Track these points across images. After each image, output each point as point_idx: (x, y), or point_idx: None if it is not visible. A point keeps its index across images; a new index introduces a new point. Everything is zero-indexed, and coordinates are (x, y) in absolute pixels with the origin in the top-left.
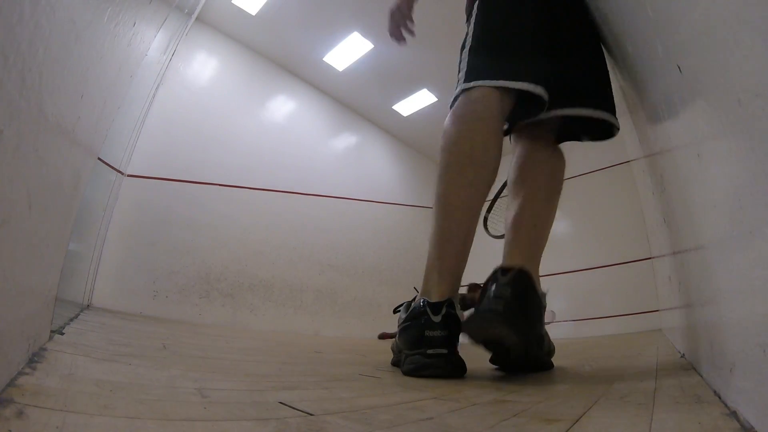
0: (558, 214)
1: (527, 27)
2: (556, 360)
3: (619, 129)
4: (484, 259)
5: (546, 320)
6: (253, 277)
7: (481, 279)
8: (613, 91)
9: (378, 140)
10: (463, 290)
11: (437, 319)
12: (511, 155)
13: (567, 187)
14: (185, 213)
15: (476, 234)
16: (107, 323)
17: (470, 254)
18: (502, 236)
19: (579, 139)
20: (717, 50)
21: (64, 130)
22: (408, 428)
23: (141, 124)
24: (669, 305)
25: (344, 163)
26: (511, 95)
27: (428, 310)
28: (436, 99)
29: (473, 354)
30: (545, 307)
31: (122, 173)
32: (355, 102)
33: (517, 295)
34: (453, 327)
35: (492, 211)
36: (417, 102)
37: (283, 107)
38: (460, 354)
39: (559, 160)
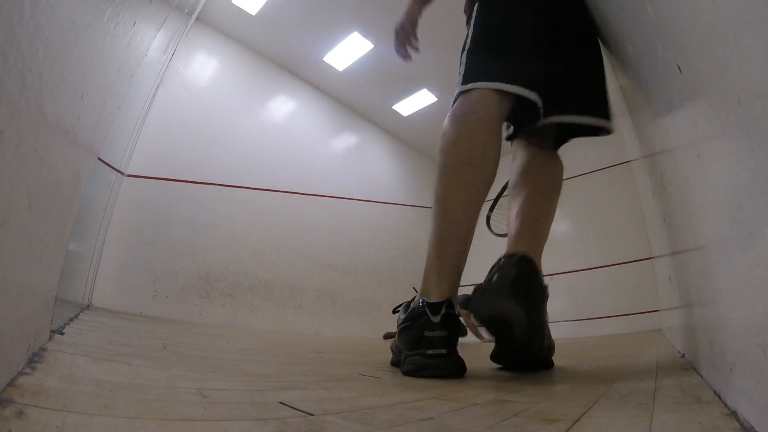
0: (558, 214)
1: (526, 30)
2: (556, 360)
3: (613, 131)
4: (484, 259)
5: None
6: (253, 277)
7: (481, 279)
8: (613, 91)
9: (378, 140)
10: (466, 291)
11: (436, 319)
12: (509, 155)
13: (567, 187)
14: (185, 213)
15: (476, 234)
16: (107, 323)
17: (470, 254)
18: (504, 235)
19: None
20: (717, 50)
21: (64, 130)
22: (408, 428)
23: (141, 124)
24: (669, 305)
25: (344, 163)
26: (510, 97)
27: (427, 310)
28: (436, 99)
29: (473, 354)
30: (547, 297)
31: (122, 173)
32: (355, 102)
33: (523, 276)
34: (452, 327)
35: (494, 210)
36: (417, 102)
37: (283, 107)
38: (460, 354)
39: (558, 164)
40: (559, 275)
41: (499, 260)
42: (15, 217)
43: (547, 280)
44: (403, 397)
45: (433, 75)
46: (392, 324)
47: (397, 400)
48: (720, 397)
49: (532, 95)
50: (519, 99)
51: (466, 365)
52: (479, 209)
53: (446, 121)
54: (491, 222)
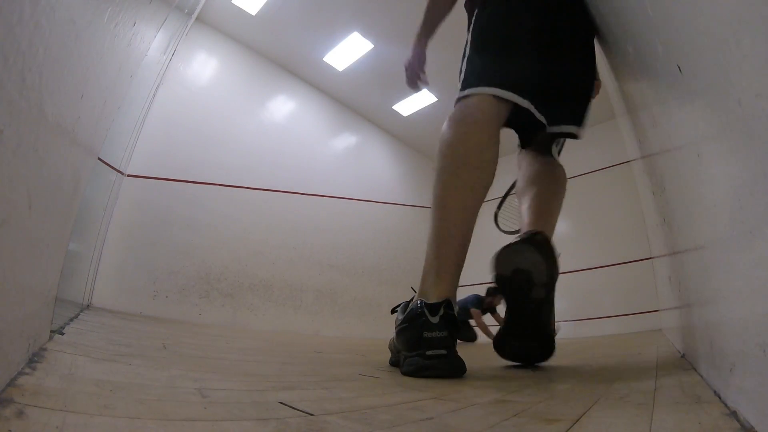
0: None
1: (524, 37)
2: (556, 360)
3: (581, 138)
4: (484, 259)
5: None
6: (253, 277)
7: (482, 279)
8: (613, 91)
9: (378, 140)
10: (466, 291)
11: (435, 320)
12: (507, 155)
13: (567, 187)
14: (185, 213)
15: (476, 234)
16: (107, 323)
17: (470, 254)
18: (512, 232)
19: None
20: (717, 50)
21: (64, 130)
22: (408, 428)
23: (141, 124)
24: (669, 305)
25: (344, 163)
26: (507, 103)
27: (426, 311)
28: (436, 99)
29: (473, 354)
30: (558, 272)
31: (122, 173)
32: (355, 102)
33: (543, 240)
34: (451, 327)
35: (502, 208)
36: (417, 102)
37: (283, 107)
38: (460, 354)
39: (560, 168)
40: (559, 275)
41: (518, 236)
42: (15, 217)
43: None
44: (403, 397)
45: (433, 75)
46: (392, 324)
47: (397, 400)
48: (720, 397)
49: (524, 102)
50: (516, 106)
51: (466, 365)
52: (477, 210)
53: (444, 125)
54: (499, 220)
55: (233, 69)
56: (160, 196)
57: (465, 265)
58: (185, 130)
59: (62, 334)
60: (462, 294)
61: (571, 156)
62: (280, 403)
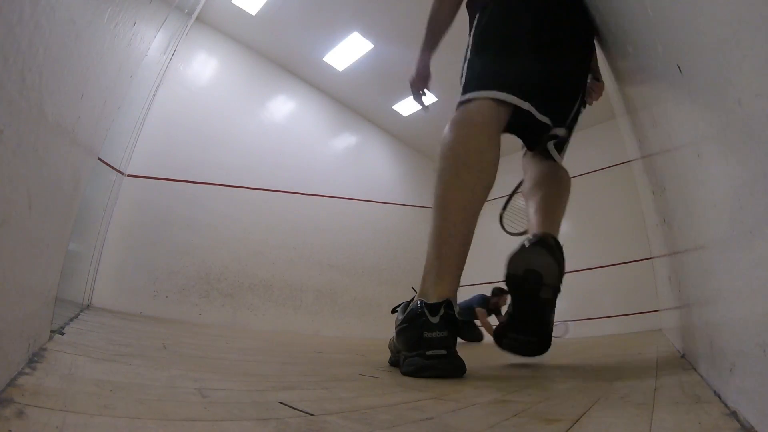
0: None
1: (524, 41)
2: (556, 360)
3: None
4: (484, 259)
5: (560, 334)
6: (253, 277)
7: (483, 279)
8: (613, 91)
9: (378, 140)
10: (466, 292)
11: (435, 320)
12: (508, 155)
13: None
14: (185, 213)
15: (476, 235)
16: (107, 323)
17: (470, 255)
18: (518, 234)
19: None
20: (717, 50)
21: (64, 130)
22: (408, 428)
23: (141, 124)
24: (669, 305)
25: (344, 163)
26: (507, 106)
27: (426, 311)
28: (436, 99)
29: (473, 354)
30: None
31: (122, 173)
32: (355, 102)
33: (555, 245)
34: (451, 327)
35: (507, 210)
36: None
37: (283, 107)
38: (459, 354)
39: (564, 171)
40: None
41: (529, 237)
42: (15, 217)
43: None
44: (403, 397)
45: (433, 75)
46: (392, 324)
47: (397, 400)
48: (720, 397)
49: (524, 104)
50: (517, 108)
51: (466, 365)
52: (478, 211)
53: (446, 129)
54: (504, 221)
55: (233, 69)
56: (160, 196)
57: (466, 265)
58: (185, 130)
59: (62, 334)
60: (468, 294)
61: (571, 156)
62: (280, 403)
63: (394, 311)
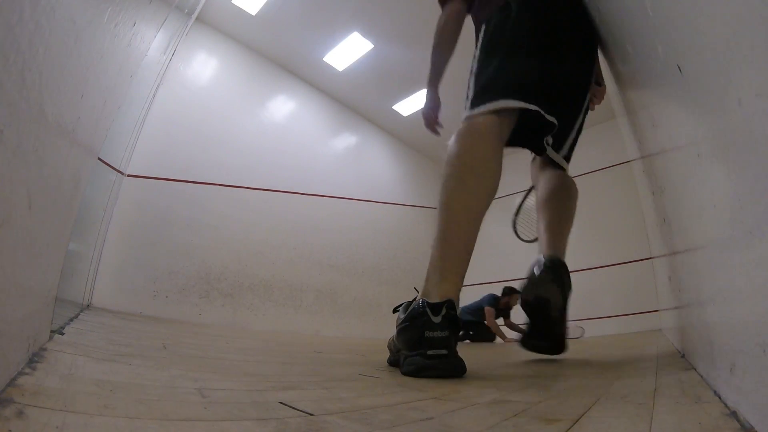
0: None
1: (527, 45)
2: (556, 360)
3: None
4: (484, 260)
5: (577, 335)
6: (253, 277)
7: (484, 279)
8: (613, 91)
9: (378, 140)
10: (467, 292)
11: (437, 319)
12: (509, 155)
13: None
14: (185, 213)
15: (480, 236)
16: (107, 323)
17: (475, 256)
18: (531, 240)
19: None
20: (717, 50)
21: (64, 130)
22: (408, 428)
23: (141, 124)
24: (669, 305)
25: (344, 163)
26: (511, 117)
27: (428, 310)
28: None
29: (473, 354)
30: (571, 290)
31: (122, 173)
32: (355, 102)
33: (559, 271)
34: (453, 327)
35: (519, 215)
36: (417, 102)
37: (283, 107)
38: (460, 354)
39: (572, 184)
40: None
41: (539, 260)
42: (15, 217)
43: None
44: (403, 397)
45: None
46: (393, 324)
47: (397, 400)
48: (720, 397)
49: (532, 107)
50: (522, 115)
51: (466, 365)
52: (482, 216)
53: (451, 140)
54: (517, 227)
55: (233, 69)
56: (160, 196)
57: (469, 265)
58: (185, 130)
59: (62, 334)
60: (474, 295)
61: (572, 156)
62: (280, 403)
63: (395, 311)
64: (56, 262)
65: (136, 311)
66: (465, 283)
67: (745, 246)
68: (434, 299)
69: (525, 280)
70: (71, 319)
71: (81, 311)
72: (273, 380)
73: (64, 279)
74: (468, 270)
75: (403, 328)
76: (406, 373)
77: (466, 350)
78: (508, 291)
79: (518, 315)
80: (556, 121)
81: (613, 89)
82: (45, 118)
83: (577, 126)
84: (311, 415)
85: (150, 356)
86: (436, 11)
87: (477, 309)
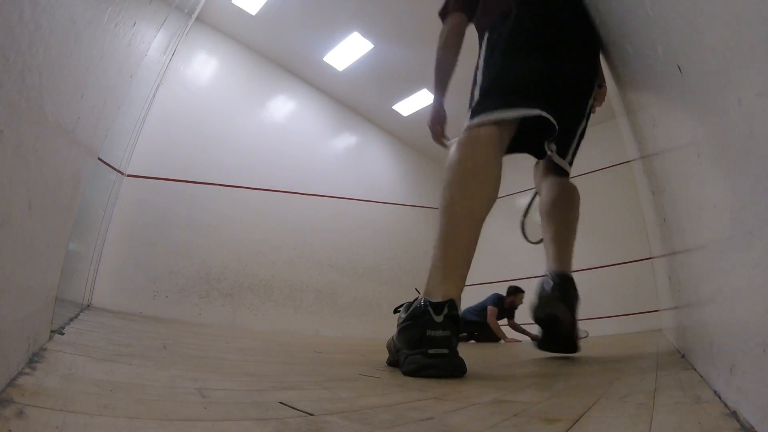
0: None
1: (530, 51)
2: (556, 360)
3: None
4: (484, 260)
5: (581, 336)
6: (253, 277)
7: (483, 279)
8: (613, 92)
9: (378, 140)
10: (468, 292)
11: (439, 318)
12: (509, 155)
13: None
14: (185, 213)
15: (482, 237)
16: (107, 323)
17: (476, 256)
18: (536, 242)
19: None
20: (717, 50)
21: (64, 130)
22: (408, 428)
23: (141, 124)
24: (669, 305)
25: (344, 163)
26: (511, 125)
27: (430, 309)
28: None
29: (473, 354)
30: (579, 300)
31: (122, 173)
32: (355, 102)
33: (567, 288)
34: (454, 327)
35: (527, 216)
36: (417, 102)
37: (283, 107)
38: (460, 354)
39: (575, 191)
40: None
41: (547, 276)
42: (15, 217)
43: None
44: (403, 397)
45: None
46: (393, 324)
47: (397, 400)
48: (720, 397)
49: (533, 112)
50: (523, 122)
51: (467, 365)
52: (483, 220)
53: (452, 149)
54: (525, 228)
55: (233, 69)
56: (160, 196)
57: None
58: (185, 130)
59: (62, 334)
60: (478, 296)
61: None
62: (280, 403)
63: (396, 311)
64: (56, 262)
65: (136, 311)
66: (465, 283)
67: (745, 246)
68: (436, 299)
69: (535, 299)
70: (71, 319)
71: (81, 311)
72: (273, 380)
73: (64, 279)
74: (468, 271)
75: (405, 327)
76: (406, 372)
77: (467, 350)
78: (514, 290)
79: (523, 315)
80: (556, 123)
81: (613, 89)
82: (45, 118)
83: (580, 130)
84: (311, 415)
85: (150, 356)
86: (436, 11)
87: (481, 309)
